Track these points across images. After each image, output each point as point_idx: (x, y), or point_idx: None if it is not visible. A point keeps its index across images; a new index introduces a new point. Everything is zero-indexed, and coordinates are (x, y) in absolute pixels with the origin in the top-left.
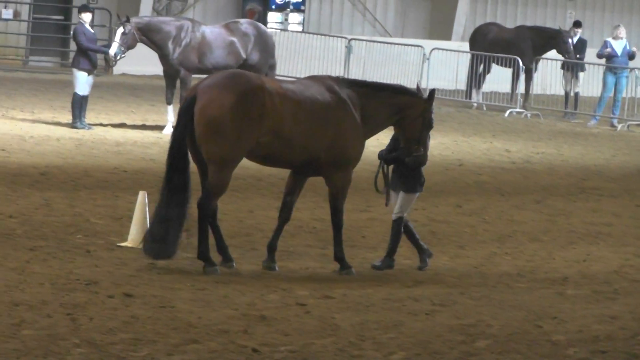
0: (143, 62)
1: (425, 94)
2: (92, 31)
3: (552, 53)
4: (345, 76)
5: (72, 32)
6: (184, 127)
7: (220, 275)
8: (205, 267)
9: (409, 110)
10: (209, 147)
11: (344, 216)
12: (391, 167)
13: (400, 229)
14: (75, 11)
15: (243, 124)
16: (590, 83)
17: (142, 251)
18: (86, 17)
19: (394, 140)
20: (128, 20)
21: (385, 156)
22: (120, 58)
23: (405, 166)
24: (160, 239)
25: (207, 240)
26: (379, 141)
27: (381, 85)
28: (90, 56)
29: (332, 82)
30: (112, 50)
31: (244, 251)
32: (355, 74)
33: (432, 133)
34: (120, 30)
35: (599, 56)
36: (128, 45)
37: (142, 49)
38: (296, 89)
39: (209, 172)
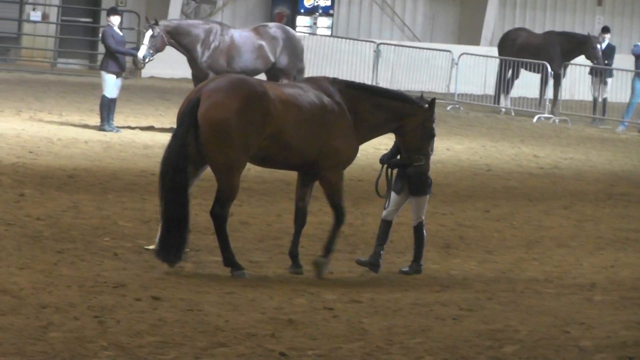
0: (172, 65)
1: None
2: (121, 34)
3: (581, 59)
4: (374, 81)
5: (100, 35)
6: (186, 129)
7: (248, 279)
8: (233, 271)
9: (408, 118)
10: (214, 153)
11: (345, 213)
12: (394, 171)
13: (422, 233)
14: (103, 14)
15: (247, 129)
16: (618, 89)
17: (155, 256)
18: (115, 19)
19: (397, 144)
20: (157, 23)
21: (387, 161)
22: (149, 61)
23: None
24: (167, 242)
25: (229, 245)
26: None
27: (378, 90)
28: (118, 59)
29: (328, 84)
30: (141, 53)
31: (272, 255)
32: (384, 78)
33: (460, 139)
34: (149, 32)
35: (635, 54)
36: (157, 48)
37: (170, 52)
38: (296, 93)
39: (217, 179)
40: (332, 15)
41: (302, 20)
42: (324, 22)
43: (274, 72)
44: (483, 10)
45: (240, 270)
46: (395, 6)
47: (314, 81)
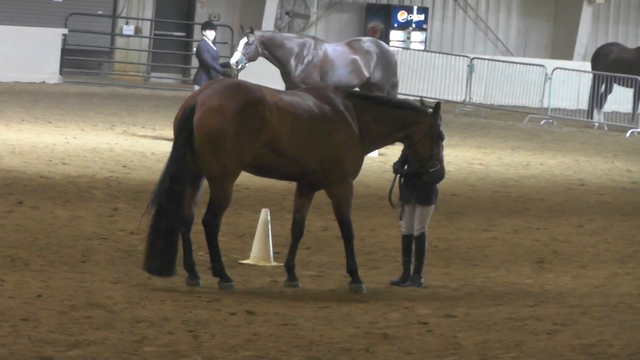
0: (263, 79)
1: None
2: (215, 49)
3: None
4: (467, 96)
5: (195, 49)
6: (185, 138)
7: (235, 291)
8: (220, 282)
9: (414, 126)
10: (208, 161)
11: (352, 227)
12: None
13: (424, 244)
14: (196, 27)
15: (243, 135)
16: None
17: (143, 268)
18: (210, 34)
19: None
20: (252, 32)
21: (401, 170)
22: (242, 68)
23: (418, 179)
24: (159, 254)
25: (220, 256)
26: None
27: (381, 99)
28: (211, 73)
29: (331, 92)
30: (234, 59)
31: (366, 270)
32: (477, 93)
33: (553, 153)
34: (244, 40)
35: None
36: (250, 56)
37: (262, 65)
38: (294, 101)
39: (210, 187)
40: (425, 29)
41: (395, 35)
42: (417, 36)
43: (367, 87)
44: (576, 25)
45: (228, 282)
46: (489, 21)
47: (316, 90)
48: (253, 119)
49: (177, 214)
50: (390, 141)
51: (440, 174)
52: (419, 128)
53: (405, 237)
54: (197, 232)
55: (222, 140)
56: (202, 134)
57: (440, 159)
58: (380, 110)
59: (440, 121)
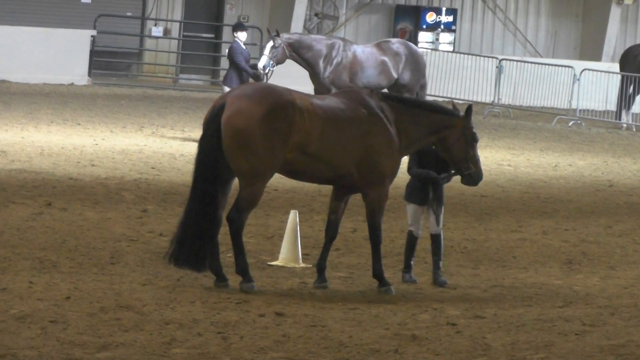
0: (293, 81)
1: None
2: (247, 50)
3: None
4: (496, 97)
5: (227, 50)
6: (211, 136)
7: (255, 291)
8: (242, 282)
9: (447, 130)
10: (236, 160)
11: (381, 232)
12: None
13: (441, 242)
14: (226, 29)
15: (271, 137)
16: None
17: (170, 262)
18: (242, 35)
19: (417, 155)
20: (278, 35)
21: (440, 177)
22: (270, 72)
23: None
24: (192, 253)
25: (244, 253)
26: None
27: (416, 102)
28: (242, 74)
29: (365, 95)
30: (261, 63)
31: (396, 271)
32: (506, 94)
33: (582, 154)
34: (270, 43)
35: None
36: (277, 59)
37: (291, 67)
38: (326, 105)
39: (240, 185)
40: (454, 31)
41: (424, 36)
42: (446, 37)
43: (396, 88)
44: (604, 26)
45: (250, 283)
46: (518, 22)
47: (350, 93)
48: (281, 121)
49: (206, 212)
50: (425, 144)
51: (477, 176)
52: (453, 131)
53: (415, 238)
54: (224, 234)
55: (249, 140)
56: (229, 134)
57: (475, 162)
58: (415, 113)
59: (472, 124)
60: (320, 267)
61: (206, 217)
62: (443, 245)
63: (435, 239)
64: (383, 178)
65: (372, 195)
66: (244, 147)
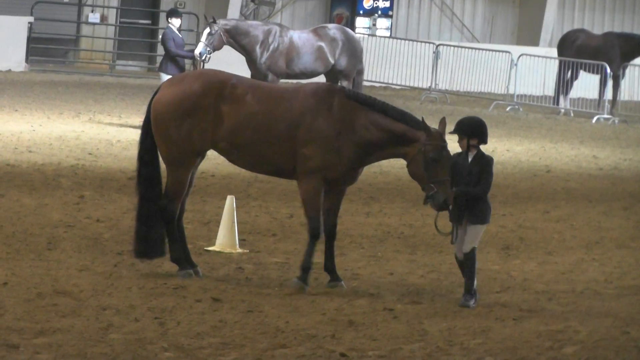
0: (229, 67)
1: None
2: (181, 36)
3: None
4: (433, 83)
5: (160, 37)
6: (146, 121)
7: (192, 279)
8: (178, 270)
9: (405, 142)
10: (159, 146)
11: (319, 225)
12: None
13: (474, 262)
14: (162, 15)
15: (184, 123)
16: None
17: (137, 257)
18: (175, 22)
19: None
20: (215, 21)
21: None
22: (206, 59)
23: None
24: (143, 238)
25: (177, 242)
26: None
27: (383, 107)
28: (178, 61)
29: (330, 91)
30: (198, 50)
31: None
32: (443, 79)
33: (520, 140)
34: (207, 30)
35: None
36: (214, 46)
37: (228, 53)
38: (266, 96)
39: (166, 172)
40: (391, 16)
41: (361, 22)
42: (383, 23)
43: (333, 74)
44: (542, 11)
45: (185, 270)
46: (455, 7)
47: (315, 87)
48: (199, 107)
49: (150, 196)
50: (384, 155)
51: (438, 199)
52: (413, 146)
53: (460, 261)
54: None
55: (164, 125)
56: (153, 119)
57: (440, 183)
58: (375, 118)
59: (443, 142)
60: (329, 269)
61: (153, 200)
62: (476, 267)
63: (465, 257)
64: (310, 173)
65: (301, 187)
66: (162, 132)
